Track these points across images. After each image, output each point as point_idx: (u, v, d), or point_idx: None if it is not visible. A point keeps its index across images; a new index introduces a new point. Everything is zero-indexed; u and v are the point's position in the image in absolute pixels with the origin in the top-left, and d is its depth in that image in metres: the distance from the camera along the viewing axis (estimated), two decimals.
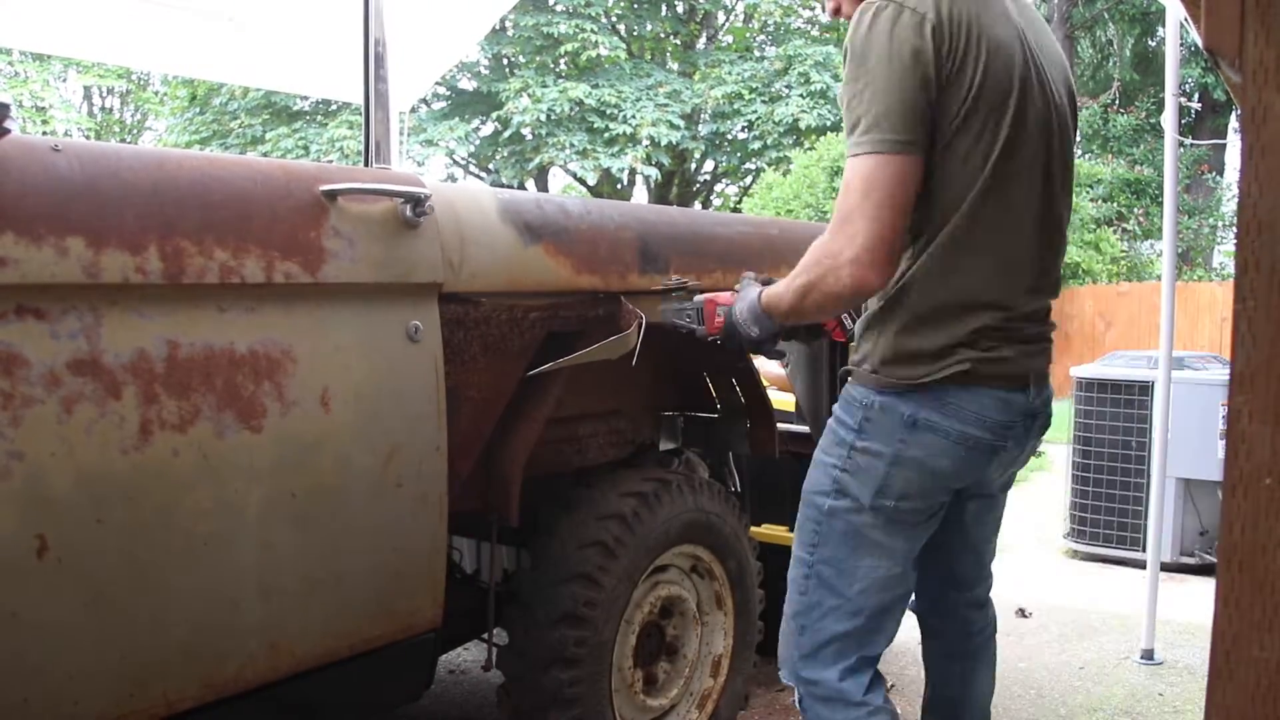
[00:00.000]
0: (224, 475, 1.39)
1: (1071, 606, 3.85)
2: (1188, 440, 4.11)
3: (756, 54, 18.19)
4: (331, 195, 1.54)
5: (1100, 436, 4.49)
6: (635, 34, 18.69)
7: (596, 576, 1.94)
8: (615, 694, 2.05)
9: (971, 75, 1.37)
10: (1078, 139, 1.86)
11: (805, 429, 2.63)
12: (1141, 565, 3.87)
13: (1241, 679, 0.67)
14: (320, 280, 1.51)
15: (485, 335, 1.81)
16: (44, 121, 15.33)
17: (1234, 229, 0.76)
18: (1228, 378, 0.68)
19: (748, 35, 19.26)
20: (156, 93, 19.72)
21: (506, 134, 16.59)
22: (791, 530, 1.67)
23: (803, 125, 15.65)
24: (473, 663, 3.01)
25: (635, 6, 18.18)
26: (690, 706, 2.30)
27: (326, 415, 1.51)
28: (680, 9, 19.04)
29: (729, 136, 17.46)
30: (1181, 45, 3.54)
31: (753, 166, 17.86)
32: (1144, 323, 11.87)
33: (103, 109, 21.40)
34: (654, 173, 17.05)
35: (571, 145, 15.95)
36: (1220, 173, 15.60)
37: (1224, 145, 14.60)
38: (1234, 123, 14.83)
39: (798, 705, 1.60)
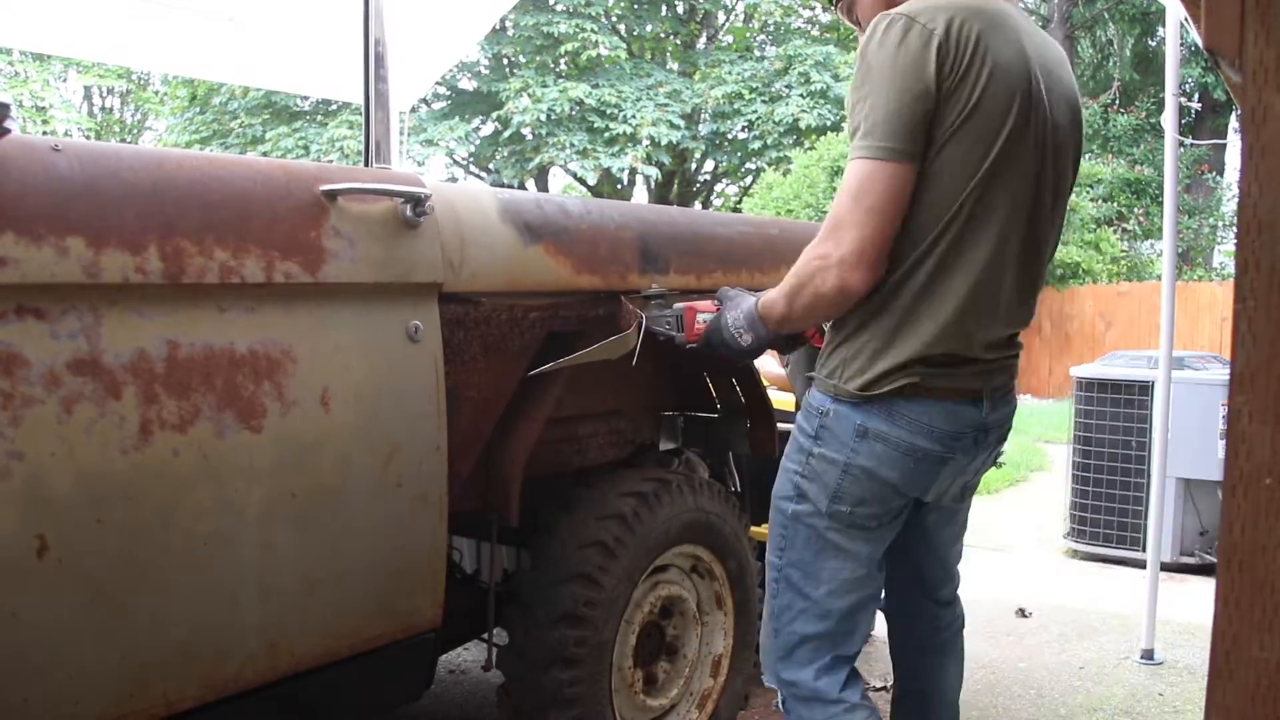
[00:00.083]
0: (224, 475, 1.39)
1: (1071, 606, 3.85)
2: (1188, 440, 4.11)
3: (756, 54, 18.20)
4: (331, 195, 1.54)
5: (1100, 436, 4.49)
6: (635, 34, 18.70)
7: (596, 576, 1.94)
8: (615, 694, 2.05)
9: (969, 91, 1.39)
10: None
11: None
12: (1141, 565, 3.87)
13: (1241, 679, 0.67)
14: (320, 280, 1.51)
15: (485, 335, 1.81)
16: (44, 121, 15.33)
17: (1234, 229, 0.76)
18: (1228, 378, 0.68)
19: (748, 35, 19.26)
20: (156, 93, 19.73)
21: (506, 134, 16.59)
22: None
23: (803, 125, 15.65)
24: (473, 663, 3.01)
25: (635, 6, 18.18)
26: (690, 706, 2.30)
27: (326, 415, 1.51)
28: (680, 9, 19.04)
29: (729, 136, 17.47)
30: (1181, 45, 3.54)
31: (753, 166, 17.87)
32: (1144, 323, 11.88)
33: (103, 109, 21.41)
34: (654, 173, 17.05)
35: (571, 145, 15.96)
36: (1220, 173, 15.60)
37: (1224, 145, 14.60)
38: (1234, 123, 14.83)
39: (780, 707, 1.63)
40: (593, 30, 16.15)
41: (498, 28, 15.97)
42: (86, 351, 1.26)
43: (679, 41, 19.14)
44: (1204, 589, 4.07)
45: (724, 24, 19.89)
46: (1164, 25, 4.98)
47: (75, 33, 3.74)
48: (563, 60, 17.07)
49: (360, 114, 2.28)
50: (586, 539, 1.96)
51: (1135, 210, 14.13)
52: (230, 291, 1.41)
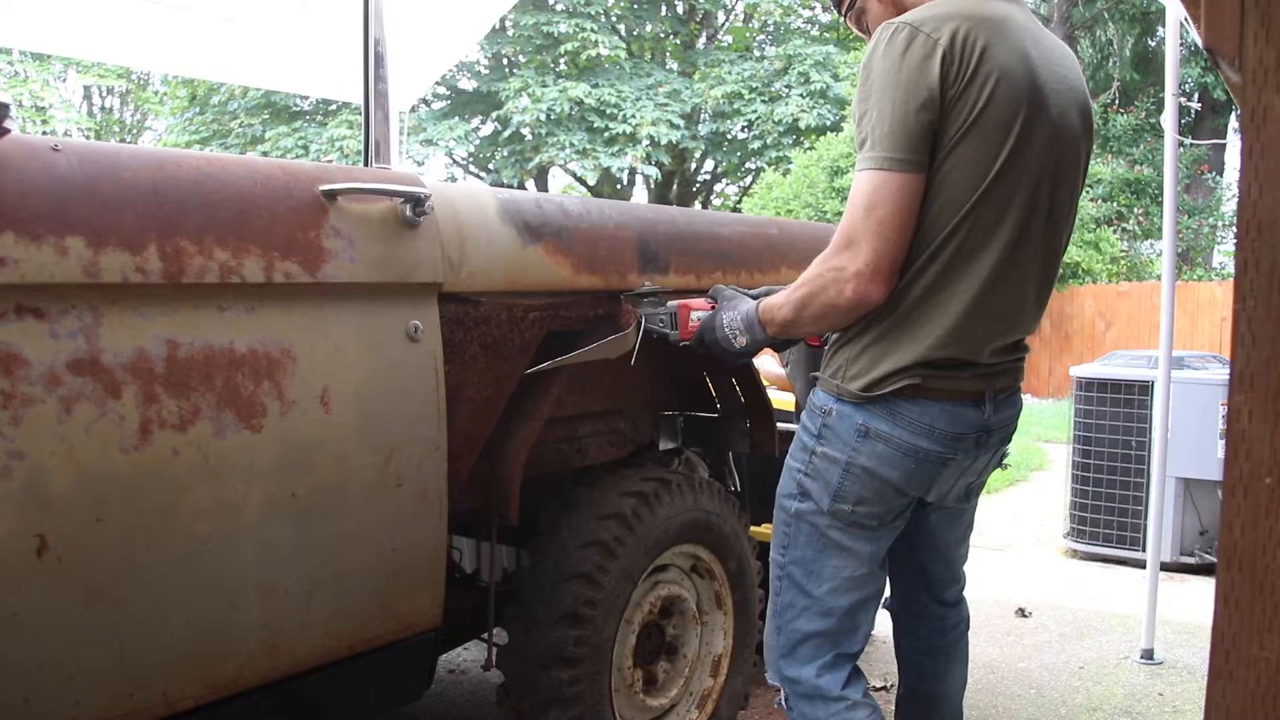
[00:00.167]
0: (224, 475, 1.39)
1: (1071, 606, 3.86)
2: (1188, 440, 4.11)
3: (756, 54, 18.21)
4: (331, 195, 1.54)
5: (1100, 436, 4.49)
6: (635, 34, 18.70)
7: (596, 576, 1.94)
8: (615, 694, 2.05)
9: (973, 100, 1.39)
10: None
11: None
12: (1141, 565, 3.87)
13: (1241, 679, 0.67)
14: (320, 280, 1.51)
15: (485, 335, 1.81)
16: (44, 121, 15.32)
17: (1234, 229, 0.76)
18: (1228, 378, 0.68)
19: (748, 35, 19.26)
20: (156, 93, 19.72)
21: (506, 134, 16.60)
22: None
23: (803, 125, 15.65)
24: (473, 663, 3.01)
25: (635, 6, 18.18)
26: (690, 706, 2.30)
27: (326, 415, 1.51)
28: (680, 9, 19.04)
29: (729, 136, 17.47)
30: (1181, 45, 3.54)
31: (752, 166, 17.87)
32: (1144, 323, 11.89)
33: (103, 109, 21.40)
34: (654, 172, 17.06)
35: (571, 145, 15.96)
36: (1220, 173, 15.60)
37: (1224, 145, 14.60)
38: (1234, 123, 14.83)
39: (783, 705, 1.63)
40: (593, 30, 16.15)
41: (498, 28, 15.97)
42: (86, 351, 1.26)
43: (679, 41, 19.13)
44: (1204, 589, 4.08)
45: (724, 24, 19.89)
46: (1164, 25, 4.98)
47: (75, 33, 3.74)
48: (563, 60, 17.07)
49: (360, 114, 2.28)
50: (586, 539, 1.96)
51: (1135, 210, 14.13)
52: (230, 291, 1.41)
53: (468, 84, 18.16)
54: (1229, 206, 14.92)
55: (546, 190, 18.13)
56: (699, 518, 2.17)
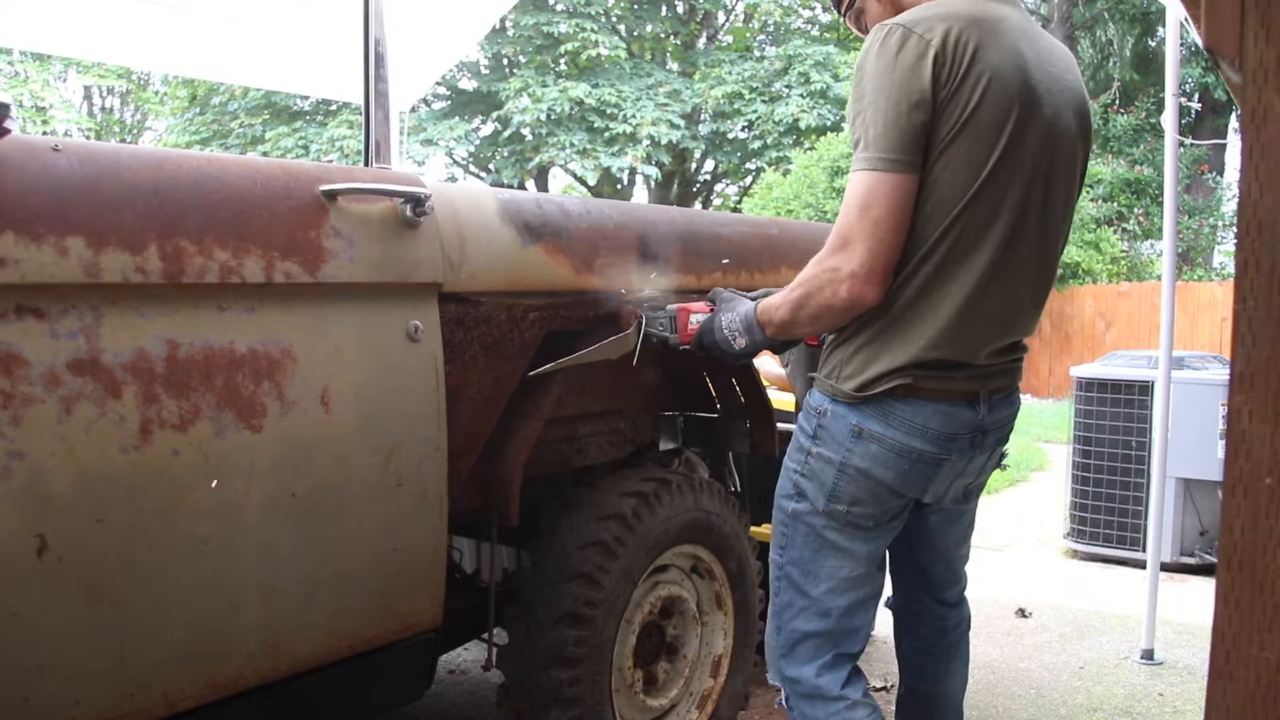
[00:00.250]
0: (224, 475, 1.39)
1: (1071, 606, 3.86)
2: (1188, 440, 4.11)
3: (756, 54, 18.21)
4: (331, 195, 1.54)
5: (1100, 436, 4.49)
6: (635, 34, 18.70)
7: (596, 576, 1.94)
8: (615, 694, 2.05)
9: (965, 101, 1.39)
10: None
11: None
12: (1141, 565, 3.87)
13: (1241, 679, 0.67)
14: (320, 280, 1.51)
15: (485, 335, 1.81)
16: (44, 121, 15.32)
17: (1234, 229, 0.76)
18: (1228, 378, 0.68)
19: (748, 35, 19.26)
20: (156, 93, 19.72)
21: (506, 134, 16.60)
22: None
23: (803, 125, 15.65)
24: (473, 663, 3.01)
25: (635, 6, 18.18)
26: (690, 706, 2.30)
27: (326, 415, 1.51)
28: (680, 9, 19.05)
29: (729, 136, 17.47)
30: (1181, 45, 3.54)
31: (752, 166, 17.87)
32: (1144, 323, 11.89)
33: (103, 109, 21.40)
34: (654, 172, 17.06)
35: (571, 145, 15.96)
36: (1220, 173, 15.60)
37: (1224, 145, 14.60)
38: (1234, 123, 14.83)
39: (783, 705, 1.63)
40: (593, 30, 16.15)
41: (498, 28, 15.97)
42: (86, 351, 1.26)
43: (679, 41, 19.14)
44: (1204, 589, 4.08)
45: (724, 24, 19.90)
46: (1164, 25, 4.98)
47: (75, 33, 3.74)
48: (563, 60, 17.07)
49: (360, 114, 2.28)
50: (586, 539, 1.96)
51: (1135, 210, 14.13)
52: (230, 291, 1.41)
53: (468, 84, 18.17)
54: (1229, 206, 14.92)
55: (546, 190, 18.13)
56: (699, 518, 2.17)
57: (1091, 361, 5.01)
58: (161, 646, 1.35)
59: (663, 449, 2.48)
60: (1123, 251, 13.51)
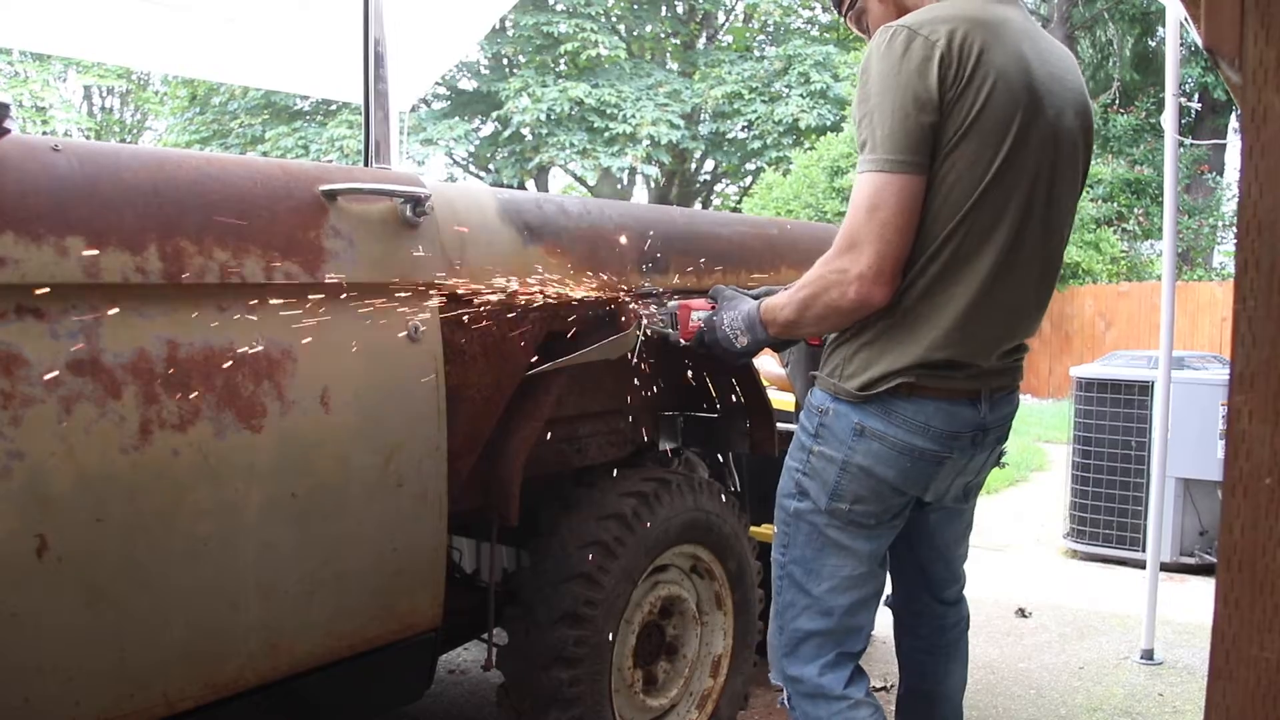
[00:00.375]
0: (224, 475, 1.39)
1: (1071, 606, 3.86)
2: (1188, 440, 4.11)
3: (756, 54, 18.21)
4: (331, 195, 1.54)
5: (1100, 436, 4.49)
6: (635, 34, 18.70)
7: (596, 576, 1.94)
8: (615, 694, 2.05)
9: (971, 102, 1.40)
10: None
11: None
12: (1141, 565, 3.87)
13: (1241, 679, 0.67)
14: (320, 280, 1.51)
15: (485, 335, 1.81)
16: (44, 121, 15.32)
17: (1234, 229, 0.76)
18: (1228, 378, 0.68)
19: (748, 35, 19.26)
20: (156, 93, 19.72)
21: (506, 134, 16.60)
22: None
23: (803, 125, 15.66)
24: (473, 663, 3.01)
25: (635, 6, 18.18)
26: (690, 706, 2.30)
27: (326, 415, 1.51)
28: (680, 9, 19.05)
29: (729, 136, 17.48)
30: (1181, 45, 3.54)
31: (752, 166, 17.87)
32: (1144, 323, 11.88)
33: (103, 109, 21.40)
34: (654, 172, 17.07)
35: (571, 145, 15.96)
36: (1220, 173, 15.60)
37: (1224, 145, 14.59)
38: (1234, 123, 14.83)
39: (786, 704, 1.63)
40: (593, 30, 16.15)
41: (498, 28, 15.97)
42: (86, 351, 1.26)
43: (679, 41, 19.14)
44: (1204, 589, 4.08)
45: (724, 24, 19.90)
46: (1164, 25, 4.98)
47: (75, 33, 3.73)
48: (563, 60, 17.07)
49: (360, 114, 2.28)
50: (586, 539, 1.96)
51: (1135, 210, 14.13)
52: (230, 291, 1.41)
53: (468, 84, 18.17)
54: (1229, 206, 14.92)
55: (546, 190, 18.13)
56: (699, 518, 2.17)
57: (1091, 361, 5.01)
58: (161, 646, 1.35)
59: (663, 449, 2.48)
60: (1123, 251, 13.51)
